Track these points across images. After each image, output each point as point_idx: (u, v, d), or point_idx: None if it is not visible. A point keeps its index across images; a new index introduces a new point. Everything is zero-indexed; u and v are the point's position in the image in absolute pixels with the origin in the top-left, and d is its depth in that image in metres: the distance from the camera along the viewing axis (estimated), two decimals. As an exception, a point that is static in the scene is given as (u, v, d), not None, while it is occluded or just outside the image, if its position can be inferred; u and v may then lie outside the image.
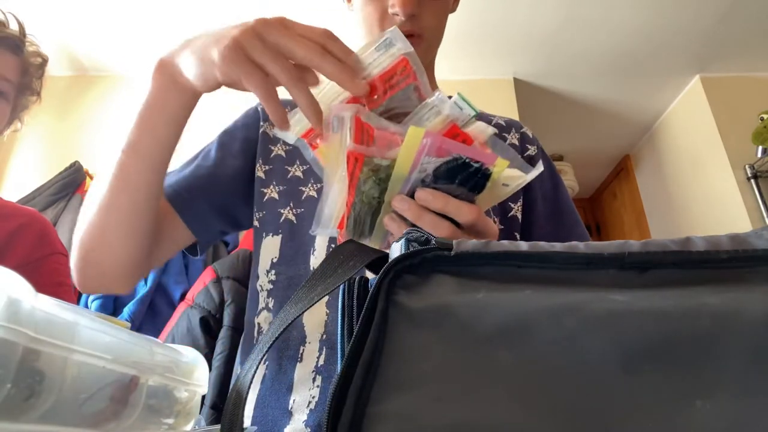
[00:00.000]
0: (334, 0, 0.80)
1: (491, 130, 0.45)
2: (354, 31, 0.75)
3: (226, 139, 0.71)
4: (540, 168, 0.43)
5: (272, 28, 0.43)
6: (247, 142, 0.71)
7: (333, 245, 0.61)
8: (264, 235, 0.65)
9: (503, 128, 0.77)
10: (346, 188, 0.42)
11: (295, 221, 0.64)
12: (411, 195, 0.43)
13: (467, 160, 0.40)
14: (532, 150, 0.75)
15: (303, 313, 0.26)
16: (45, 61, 0.85)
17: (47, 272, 0.78)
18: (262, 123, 0.71)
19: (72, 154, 2.14)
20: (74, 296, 0.83)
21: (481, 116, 0.81)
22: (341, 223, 0.45)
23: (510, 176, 0.43)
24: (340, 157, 0.43)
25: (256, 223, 0.67)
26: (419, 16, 0.66)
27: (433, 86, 0.83)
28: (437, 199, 0.41)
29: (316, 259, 0.61)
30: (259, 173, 0.68)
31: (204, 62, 0.45)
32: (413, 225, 0.43)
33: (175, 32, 2.18)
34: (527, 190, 0.71)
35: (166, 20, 2.12)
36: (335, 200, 0.44)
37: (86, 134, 2.29)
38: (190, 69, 0.47)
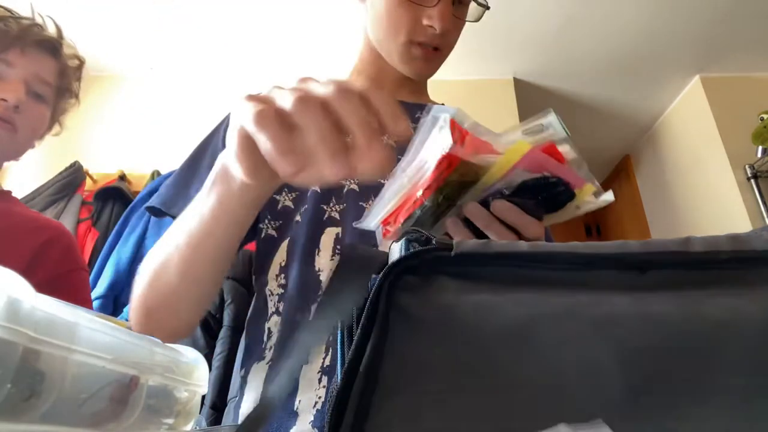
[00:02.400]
0: None
1: (574, 155, 0.45)
2: (367, 25, 0.74)
3: (220, 150, 0.68)
4: (611, 196, 0.44)
5: (281, 92, 0.34)
6: None
7: (338, 246, 0.61)
8: (279, 243, 0.64)
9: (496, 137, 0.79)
10: (411, 186, 0.42)
11: (300, 220, 0.64)
12: (481, 202, 0.44)
13: (557, 180, 0.41)
14: None
15: (318, 342, 0.25)
16: (82, 63, 0.85)
17: (70, 289, 0.77)
18: None
19: (72, 154, 2.14)
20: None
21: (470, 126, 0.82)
22: (387, 218, 0.46)
23: (584, 201, 0.44)
24: (417, 159, 0.42)
25: (272, 232, 0.65)
26: (447, 33, 0.68)
27: (426, 92, 0.83)
28: (512, 213, 0.42)
29: (321, 258, 0.60)
30: None
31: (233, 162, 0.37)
32: (474, 231, 0.44)
33: (175, 32, 2.18)
34: None
35: (166, 20, 2.12)
36: (394, 195, 0.44)
37: (86, 134, 2.29)
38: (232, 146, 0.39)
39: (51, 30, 0.79)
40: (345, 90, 0.30)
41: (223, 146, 0.65)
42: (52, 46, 0.78)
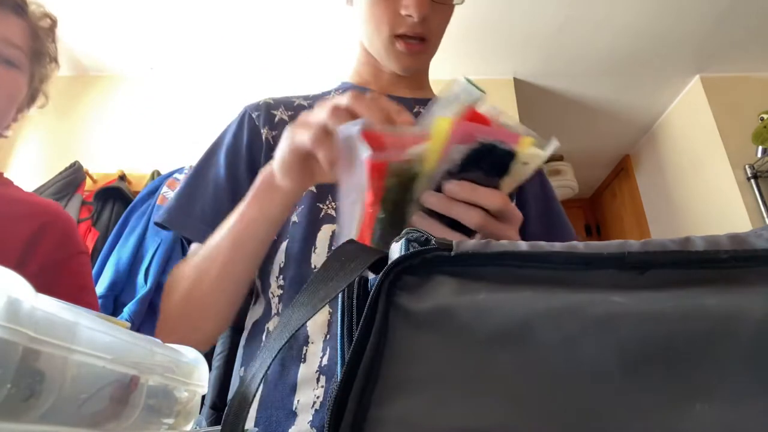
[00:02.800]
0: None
1: (496, 112, 0.45)
2: (356, 28, 0.74)
3: (230, 153, 0.69)
4: (555, 144, 0.43)
5: (307, 117, 0.47)
6: (250, 154, 0.69)
7: (335, 243, 0.61)
8: (278, 246, 0.64)
9: None
10: (361, 205, 0.42)
11: (297, 220, 0.64)
12: (436, 189, 0.43)
13: (494, 143, 0.40)
14: None
15: (309, 319, 0.25)
16: (54, 22, 0.78)
17: (71, 275, 0.74)
18: (263, 131, 0.70)
19: (72, 154, 2.14)
20: (96, 297, 0.80)
21: None
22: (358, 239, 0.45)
23: (528, 155, 0.43)
24: (355, 176, 0.42)
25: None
26: (429, 20, 0.67)
27: (427, 86, 0.83)
28: (465, 189, 0.42)
29: (317, 256, 0.61)
30: None
31: (279, 157, 0.50)
32: (442, 220, 0.44)
33: (175, 32, 2.18)
34: (519, 190, 0.72)
35: (166, 20, 2.12)
36: (351, 217, 0.44)
37: (86, 134, 2.30)
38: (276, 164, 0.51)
39: None
40: (358, 96, 0.44)
41: (229, 158, 0.69)
42: (15, 4, 0.70)
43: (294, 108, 0.74)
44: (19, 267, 0.65)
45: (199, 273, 0.58)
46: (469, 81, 0.44)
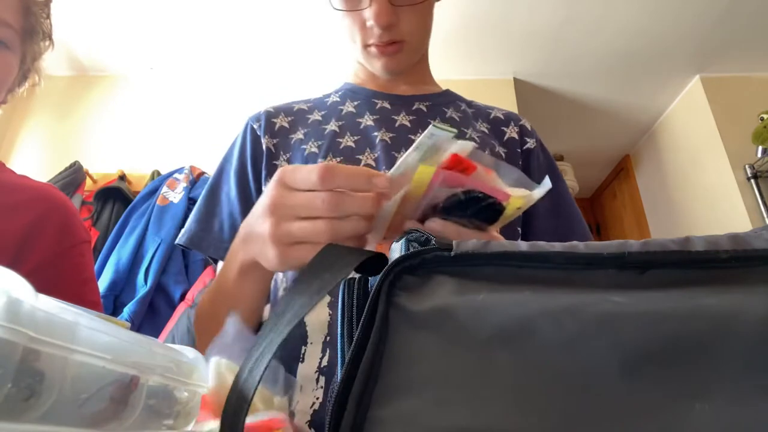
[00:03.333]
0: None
1: (471, 144, 0.42)
2: (341, 36, 0.74)
3: (238, 170, 0.70)
4: (547, 185, 0.41)
5: (283, 204, 0.41)
6: (255, 169, 0.70)
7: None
8: None
9: (502, 121, 0.76)
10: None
11: None
12: (420, 221, 0.42)
13: (480, 195, 0.39)
14: (531, 143, 0.74)
15: (306, 313, 0.25)
16: None
17: (72, 268, 0.71)
18: (263, 140, 0.70)
19: (72, 154, 2.14)
20: (97, 288, 0.77)
21: (479, 109, 0.80)
22: None
23: (517, 207, 0.41)
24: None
25: None
26: (398, 24, 0.66)
27: (429, 80, 0.82)
28: (448, 232, 0.40)
29: None
30: None
31: (270, 263, 0.45)
32: None
33: (175, 32, 2.18)
34: None
35: (166, 20, 2.12)
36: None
37: (86, 134, 2.30)
38: (264, 261, 0.47)
39: None
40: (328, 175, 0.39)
41: (239, 174, 0.70)
42: None
43: (294, 113, 0.74)
44: (18, 259, 0.65)
45: (214, 320, 0.59)
46: (437, 126, 0.40)
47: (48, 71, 0.78)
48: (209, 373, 0.40)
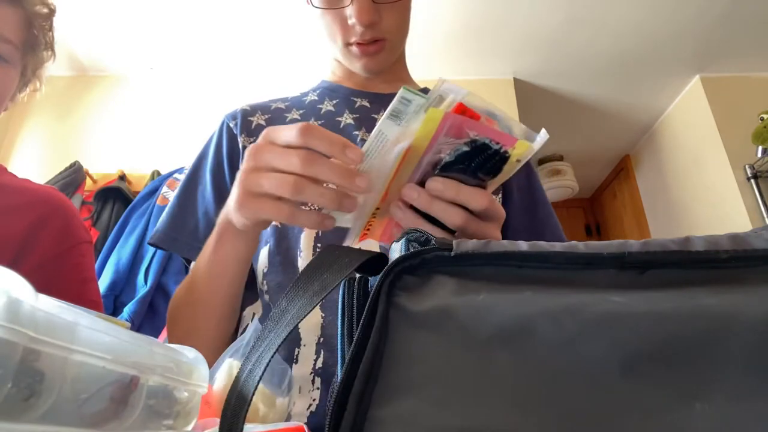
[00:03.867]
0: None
1: (464, 90, 0.40)
2: (320, 35, 0.74)
3: (214, 169, 0.69)
4: (545, 136, 0.40)
5: (262, 153, 0.42)
6: (232, 168, 0.69)
7: (319, 245, 0.61)
8: (260, 249, 0.64)
9: None
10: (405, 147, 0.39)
11: (279, 225, 0.64)
12: (420, 183, 0.42)
13: (487, 143, 0.38)
14: None
15: (307, 314, 0.25)
16: (52, 10, 0.74)
17: (72, 268, 0.72)
18: (240, 138, 0.70)
19: (72, 154, 2.14)
20: (97, 288, 0.77)
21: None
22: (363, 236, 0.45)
23: (522, 153, 0.40)
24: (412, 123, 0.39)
25: None
26: (379, 22, 0.66)
27: (407, 77, 0.81)
28: (449, 189, 0.40)
29: (303, 260, 0.60)
30: None
31: (230, 207, 0.47)
32: (421, 213, 0.42)
33: (175, 32, 2.18)
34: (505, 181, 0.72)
35: (167, 20, 2.12)
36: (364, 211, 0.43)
37: (86, 134, 2.30)
38: (234, 219, 0.48)
39: None
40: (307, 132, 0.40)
41: (214, 169, 0.69)
42: None
43: (271, 111, 0.73)
44: (18, 260, 0.66)
45: (191, 306, 0.59)
46: (410, 90, 0.40)
47: (48, 71, 0.79)
48: (221, 374, 0.40)
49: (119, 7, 2.05)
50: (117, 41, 2.24)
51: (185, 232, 0.66)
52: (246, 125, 0.71)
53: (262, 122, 0.72)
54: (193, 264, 0.64)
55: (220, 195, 0.67)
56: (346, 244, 0.45)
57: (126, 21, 2.12)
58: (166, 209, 0.69)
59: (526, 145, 0.39)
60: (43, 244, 0.68)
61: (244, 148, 0.68)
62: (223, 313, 0.58)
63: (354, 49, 0.68)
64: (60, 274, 0.70)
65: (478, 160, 0.39)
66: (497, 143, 0.38)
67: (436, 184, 0.40)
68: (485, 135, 0.38)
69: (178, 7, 2.05)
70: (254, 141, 0.68)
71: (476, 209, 0.41)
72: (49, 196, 0.74)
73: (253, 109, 0.73)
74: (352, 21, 0.65)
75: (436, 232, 0.41)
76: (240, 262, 0.54)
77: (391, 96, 0.76)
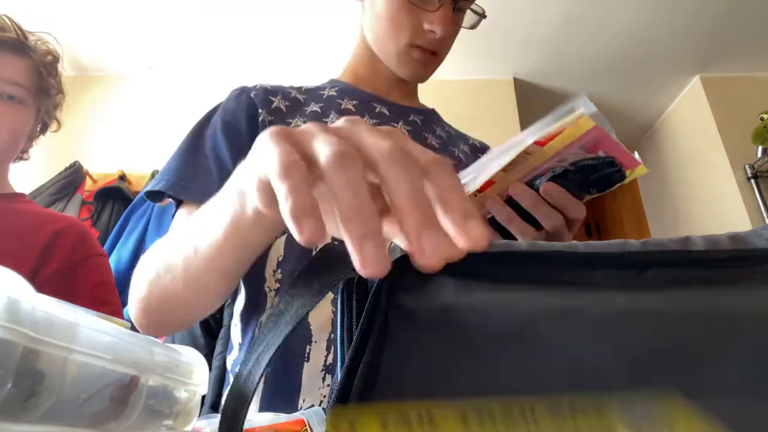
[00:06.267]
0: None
1: (593, 107, 0.43)
2: (366, 27, 0.73)
3: (232, 135, 0.64)
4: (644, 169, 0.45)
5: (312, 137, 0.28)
6: (253, 138, 0.67)
7: (335, 240, 0.60)
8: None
9: (478, 148, 0.80)
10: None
11: None
12: (528, 182, 0.45)
13: (611, 161, 0.41)
14: None
15: (306, 314, 0.25)
16: (56, 58, 0.84)
17: (87, 273, 0.78)
18: (260, 111, 0.66)
19: (72, 154, 2.14)
20: (117, 294, 0.83)
21: (459, 133, 0.83)
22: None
23: (642, 167, 0.44)
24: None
25: None
26: (445, 37, 0.68)
27: (416, 96, 0.83)
28: (561, 196, 0.44)
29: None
30: None
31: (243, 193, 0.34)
32: (517, 209, 0.45)
33: (175, 32, 2.18)
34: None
35: (166, 20, 2.12)
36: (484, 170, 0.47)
37: (86, 134, 2.29)
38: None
39: (10, 30, 0.78)
40: (402, 152, 0.22)
41: (227, 137, 0.62)
42: (16, 45, 0.77)
43: (291, 99, 0.71)
44: (40, 265, 0.73)
45: (162, 274, 0.50)
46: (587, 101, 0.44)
47: (62, 68, 0.87)
48: None
49: (119, 7, 2.05)
50: (117, 41, 2.24)
51: (194, 182, 0.60)
52: (266, 102, 0.68)
53: (283, 107, 0.69)
54: (181, 213, 0.58)
55: (238, 149, 0.60)
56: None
57: (126, 21, 2.12)
58: (171, 159, 0.64)
59: (644, 169, 0.43)
60: (61, 251, 0.76)
61: (264, 124, 0.64)
62: (214, 297, 0.50)
63: (416, 52, 0.69)
64: (74, 280, 0.76)
65: (597, 176, 0.43)
66: (620, 163, 0.42)
67: (554, 188, 0.44)
68: (612, 153, 0.41)
69: (178, 7, 2.05)
70: (274, 120, 0.65)
71: (574, 219, 0.45)
72: (65, 216, 0.86)
73: (274, 90, 0.71)
74: (429, 27, 0.66)
75: (527, 231, 0.46)
76: (254, 256, 0.43)
77: (409, 109, 0.77)
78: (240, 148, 0.60)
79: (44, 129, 0.88)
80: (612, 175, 0.42)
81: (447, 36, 0.68)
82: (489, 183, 0.45)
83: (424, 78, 0.74)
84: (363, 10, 0.74)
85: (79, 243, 0.80)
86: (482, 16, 0.73)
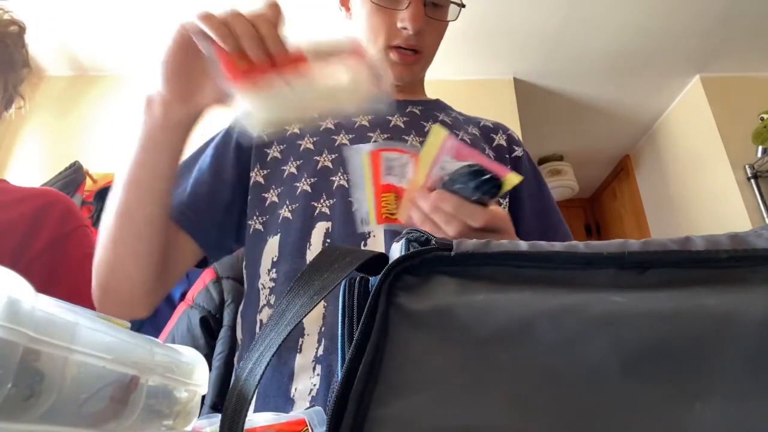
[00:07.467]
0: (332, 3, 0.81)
1: (444, 131, 0.51)
2: (354, 34, 0.75)
3: (219, 145, 0.72)
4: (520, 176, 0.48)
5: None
6: (239, 149, 0.71)
7: (328, 240, 0.62)
8: (267, 237, 0.66)
9: (491, 129, 0.80)
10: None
11: (291, 218, 0.65)
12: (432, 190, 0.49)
13: (481, 168, 0.45)
14: (519, 151, 0.79)
15: (307, 314, 0.25)
16: (23, 28, 0.79)
17: (75, 245, 0.79)
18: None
19: (72, 154, 2.14)
20: None
21: (468, 117, 0.84)
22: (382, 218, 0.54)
23: (514, 174, 0.48)
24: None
25: (259, 227, 0.68)
26: (423, 33, 0.69)
27: (422, 91, 0.85)
28: (446, 202, 0.46)
29: (312, 253, 0.62)
30: (258, 178, 0.69)
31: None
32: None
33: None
34: (515, 189, 0.74)
35: (166, 20, 2.12)
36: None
37: (86, 134, 2.29)
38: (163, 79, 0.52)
39: None
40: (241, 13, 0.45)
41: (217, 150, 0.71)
42: None
43: None
44: (27, 242, 0.73)
45: (103, 238, 0.59)
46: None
47: (48, 71, 0.86)
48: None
49: (119, 7, 2.05)
50: (117, 41, 2.24)
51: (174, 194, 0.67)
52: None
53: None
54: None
55: (217, 167, 0.69)
56: (360, 228, 0.53)
57: (126, 21, 2.12)
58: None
59: (518, 178, 0.47)
60: (48, 226, 0.76)
61: (258, 136, 0.71)
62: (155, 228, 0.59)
63: (393, 54, 0.71)
64: (65, 252, 0.77)
65: (476, 182, 0.46)
66: (490, 171, 0.46)
67: (438, 196, 0.46)
68: (480, 162, 0.46)
69: (179, 7, 2.05)
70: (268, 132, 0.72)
71: (474, 225, 0.46)
72: (48, 190, 0.84)
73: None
74: (401, 24, 0.68)
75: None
76: (168, 162, 0.56)
77: (407, 102, 0.79)
78: (219, 167, 0.70)
79: (9, 104, 0.82)
80: (489, 182, 0.46)
81: (424, 31, 0.69)
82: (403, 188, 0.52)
83: (411, 78, 0.75)
84: (349, 19, 0.78)
85: (67, 215, 0.80)
86: (461, 6, 0.74)
